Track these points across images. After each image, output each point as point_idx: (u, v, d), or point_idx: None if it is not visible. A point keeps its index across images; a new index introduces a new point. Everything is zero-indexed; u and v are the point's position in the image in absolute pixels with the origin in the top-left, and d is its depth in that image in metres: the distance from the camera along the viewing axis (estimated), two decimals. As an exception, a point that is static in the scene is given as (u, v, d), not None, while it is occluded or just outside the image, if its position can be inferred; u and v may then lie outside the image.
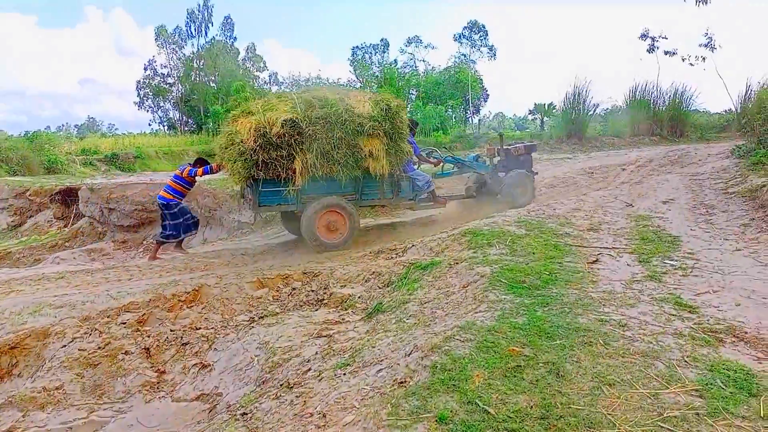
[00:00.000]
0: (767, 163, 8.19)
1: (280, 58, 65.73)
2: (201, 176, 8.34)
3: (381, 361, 3.39)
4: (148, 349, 5.11)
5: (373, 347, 3.74)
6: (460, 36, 48.65)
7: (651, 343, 3.16)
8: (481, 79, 47.70)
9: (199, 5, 41.23)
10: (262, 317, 5.48)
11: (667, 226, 6.25)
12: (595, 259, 5.08)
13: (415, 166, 8.69)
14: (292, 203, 7.54)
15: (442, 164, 9.43)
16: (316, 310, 5.57)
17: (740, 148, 10.67)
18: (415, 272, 5.46)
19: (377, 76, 43.72)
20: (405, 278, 5.44)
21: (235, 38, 42.64)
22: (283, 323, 5.13)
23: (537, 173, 9.99)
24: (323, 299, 5.74)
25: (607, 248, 5.45)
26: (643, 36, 19.63)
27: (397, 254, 6.51)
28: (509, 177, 9.21)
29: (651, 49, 19.56)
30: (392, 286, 5.47)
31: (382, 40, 48.46)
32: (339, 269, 6.22)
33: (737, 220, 6.33)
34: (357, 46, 48.00)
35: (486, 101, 49.99)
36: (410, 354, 3.24)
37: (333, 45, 75.88)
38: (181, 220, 8.28)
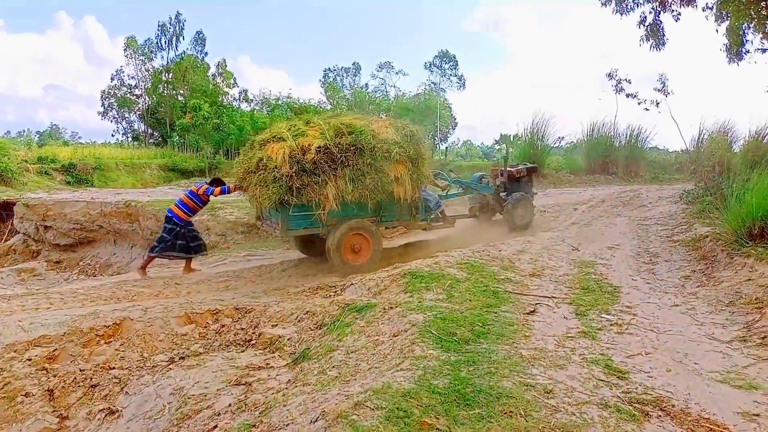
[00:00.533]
0: (713, 212, 8.26)
1: (253, 75, 65.40)
2: (217, 195, 8.24)
3: (287, 425, 3.10)
4: (51, 390, 4.67)
5: (285, 405, 3.45)
6: (430, 64, 49.64)
7: (574, 414, 2.97)
8: (450, 107, 48.51)
9: (170, 18, 40.80)
10: (183, 357, 5.11)
11: (609, 275, 6.15)
12: (532, 309, 4.92)
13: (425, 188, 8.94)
14: (317, 227, 7.62)
15: (448, 186, 9.90)
16: (243, 351, 5.24)
17: (689, 193, 10.84)
18: (349, 315, 5.20)
19: (348, 98, 44.11)
20: (338, 321, 5.17)
21: (206, 53, 42.14)
22: (203, 366, 4.78)
23: (537, 193, 10.61)
24: (252, 339, 5.42)
25: (547, 297, 5.30)
26: (610, 76, 20.02)
27: (335, 292, 6.24)
28: (511, 199, 9.75)
29: (617, 90, 19.98)
30: (324, 329, 5.18)
31: (354, 63, 49.06)
32: (273, 306, 5.92)
33: (679, 271, 6.29)
34: (329, 68, 48.33)
35: (454, 129, 50.80)
36: (316, 421, 2.96)
37: (307, 65, 76.04)
38: (180, 241, 8.09)
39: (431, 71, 49.19)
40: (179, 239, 8.09)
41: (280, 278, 7.71)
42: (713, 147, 16.43)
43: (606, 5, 12.55)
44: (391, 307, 5.00)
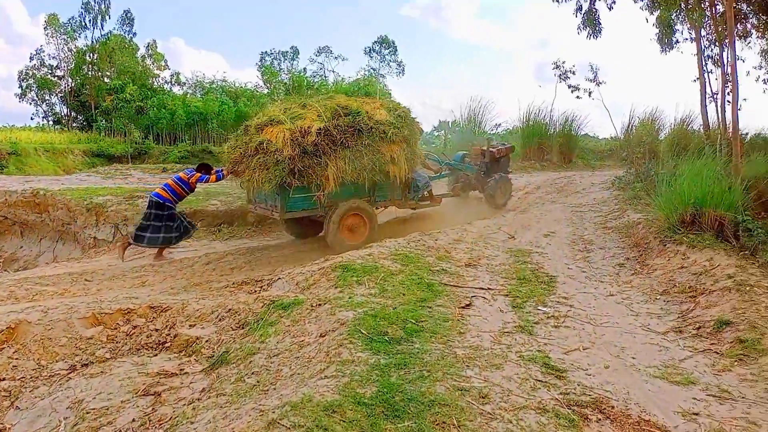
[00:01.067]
0: (644, 198, 8.35)
1: (188, 58, 62.59)
2: (213, 182, 8.19)
3: (191, 449, 2.73)
4: (-76, 410, 4.10)
5: (192, 423, 3.07)
6: (370, 50, 49.10)
7: (511, 422, 2.74)
8: (390, 93, 48.22)
9: (95, -5, 38.21)
10: (86, 365, 4.59)
11: (545, 264, 6.04)
12: (468, 302, 4.70)
13: None
14: (315, 208, 7.79)
15: (441, 168, 10.33)
16: (155, 355, 4.78)
17: (620, 179, 10.99)
18: (274, 313, 4.82)
19: (286, 83, 43.07)
20: (262, 320, 4.78)
21: (135, 33, 39.78)
22: (109, 373, 4.30)
23: (512, 171, 11.32)
24: (166, 341, 4.95)
25: (483, 289, 5.10)
26: (556, 66, 20.22)
27: (261, 287, 5.83)
28: (493, 179, 10.24)
29: (561, 80, 20.17)
30: (247, 329, 4.78)
31: (291, 47, 47.74)
32: (192, 303, 5.44)
33: (613, 258, 6.25)
34: (265, 52, 46.94)
35: (394, 115, 50.20)
36: (223, 443, 2.60)
37: (244, 49, 73.36)
38: (165, 224, 7.81)
39: (371, 57, 48.66)
40: (174, 225, 7.91)
41: (204, 272, 7.20)
42: (642, 134, 16.94)
43: (542, -9, 12.51)
44: (320, 304, 4.67)
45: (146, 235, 7.73)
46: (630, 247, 6.54)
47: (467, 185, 10.55)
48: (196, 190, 8.38)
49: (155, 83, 38.45)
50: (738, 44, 14.03)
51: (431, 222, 9.51)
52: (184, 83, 40.97)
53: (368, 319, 4.12)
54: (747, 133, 17.94)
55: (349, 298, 4.67)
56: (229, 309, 5.20)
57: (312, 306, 4.68)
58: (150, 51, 41.74)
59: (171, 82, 42.26)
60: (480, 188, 10.45)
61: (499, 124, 20.93)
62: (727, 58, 11.54)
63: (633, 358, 3.60)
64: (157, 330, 5.14)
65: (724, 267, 4.87)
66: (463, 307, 4.58)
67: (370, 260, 5.70)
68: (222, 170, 8.05)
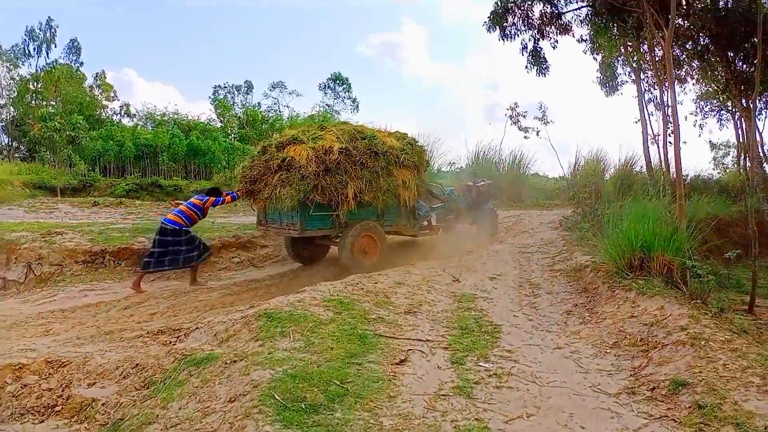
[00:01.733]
0: (591, 240, 8.12)
1: (141, 90, 60.97)
2: (228, 203, 8.21)
3: None
4: None
5: None
6: (324, 86, 49.11)
7: None
8: (344, 130, 48.02)
9: (40, 23, 36.80)
10: (-50, 436, 3.85)
11: (490, 310, 5.61)
12: (403, 357, 4.19)
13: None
14: (331, 228, 7.94)
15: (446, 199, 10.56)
16: (41, 421, 4.07)
17: (568, 219, 10.83)
18: (185, 370, 4.19)
19: (240, 117, 42.45)
20: (170, 378, 4.14)
21: (82, 63, 38.44)
22: (-24, 448, 3.58)
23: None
24: (57, 404, 4.23)
25: (421, 341, 4.61)
26: (510, 109, 20.53)
27: (177, 338, 5.16)
28: (481, 212, 10.87)
29: (514, 122, 20.36)
30: (152, 389, 4.13)
31: (245, 81, 47.28)
32: (97, 357, 4.73)
33: (561, 304, 5.89)
34: (219, 85, 46.30)
35: (347, 149, 50.10)
36: None
37: (199, 82, 72.10)
38: (186, 247, 7.73)
39: (325, 93, 48.70)
40: (193, 246, 7.82)
41: (119, 318, 6.44)
42: (588, 174, 17.08)
43: (491, 31, 12.54)
44: (235, 360, 4.07)
45: (165, 259, 7.63)
46: (578, 292, 6.20)
47: (457, 217, 10.80)
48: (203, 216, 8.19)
49: (103, 114, 37.12)
50: (677, 89, 14.41)
51: (428, 249, 9.64)
52: (134, 115, 39.82)
53: (286, 380, 3.56)
54: (687, 175, 18.43)
55: (269, 353, 4.09)
56: (136, 364, 4.54)
57: (226, 362, 4.08)
58: (98, 81, 40.47)
59: (120, 113, 41.01)
60: (470, 220, 10.89)
61: (454, 162, 20.84)
62: (667, 100, 11.78)
63: (582, 428, 3.15)
64: (50, 390, 4.41)
65: (676, 317, 4.54)
66: (397, 364, 4.07)
67: (300, 307, 5.13)
68: (236, 192, 8.16)
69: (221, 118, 41.44)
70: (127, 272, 8.36)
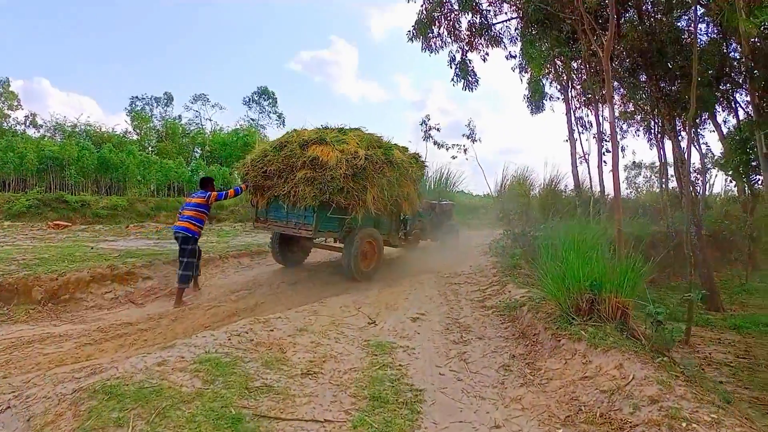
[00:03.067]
0: (524, 268, 7.19)
1: (54, 100, 56.34)
2: (232, 197, 7.94)
3: None
4: None
5: None
6: (249, 100, 47.37)
7: None
8: (270, 145, 46.61)
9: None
10: None
11: (410, 367, 4.45)
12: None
13: None
14: (338, 231, 7.99)
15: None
16: None
17: (497, 243, 9.97)
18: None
19: (158, 129, 40.12)
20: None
21: (-19, 70, 34.84)
22: None
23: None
24: None
25: (318, 422, 3.37)
26: (423, 123, 20.03)
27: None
28: (453, 229, 11.45)
29: (426, 138, 19.80)
30: None
31: (165, 93, 44.90)
32: None
33: (496, 355, 4.81)
34: (136, 97, 43.71)
35: (276, 164, 48.70)
36: None
37: (118, 94, 67.81)
38: (196, 258, 7.42)
39: (249, 107, 46.91)
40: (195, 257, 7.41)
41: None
42: (516, 192, 16.52)
43: (413, 41, 11.61)
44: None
45: (187, 272, 7.19)
46: (515, 337, 5.16)
47: (423, 233, 10.84)
48: None
49: (5, 124, 33.69)
50: (599, 109, 14.06)
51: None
52: (41, 125, 36.43)
53: None
54: (608, 195, 18.30)
55: (86, 462, 2.73)
56: None
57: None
58: (1, 90, 36.85)
59: (25, 123, 37.45)
60: (433, 237, 11.14)
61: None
62: (598, 118, 11.36)
63: None
64: None
65: (641, 381, 3.54)
66: (274, 471, 2.80)
67: (157, 375, 3.77)
68: (240, 186, 8.06)
69: (138, 131, 39.03)
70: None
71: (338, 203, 7.37)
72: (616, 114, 17.45)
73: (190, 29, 67.58)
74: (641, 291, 4.65)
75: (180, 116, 43.85)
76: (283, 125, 48.06)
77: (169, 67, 63.93)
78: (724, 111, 16.15)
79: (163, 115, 45.02)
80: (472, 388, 4.11)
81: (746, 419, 3.16)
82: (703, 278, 10.72)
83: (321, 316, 5.69)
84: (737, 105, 15.93)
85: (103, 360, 4.87)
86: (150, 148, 36.69)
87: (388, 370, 4.35)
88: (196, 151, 39.30)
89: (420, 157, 9.20)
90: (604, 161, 11.27)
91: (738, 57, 13.22)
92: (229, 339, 4.68)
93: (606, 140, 12.73)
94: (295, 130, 8.66)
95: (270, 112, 47.82)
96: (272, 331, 5.05)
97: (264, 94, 47.60)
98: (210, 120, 46.21)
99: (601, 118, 12.34)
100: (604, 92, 9.65)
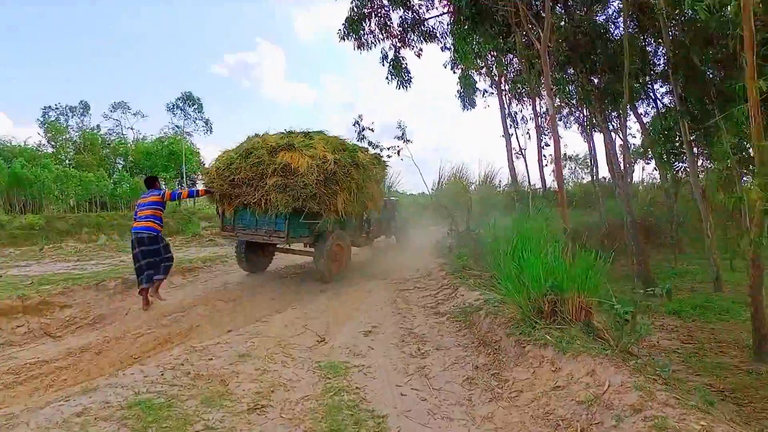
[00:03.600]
0: (473, 268, 6.95)
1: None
2: (185, 198, 7.98)
3: None
4: None
5: None
6: (173, 106, 45.22)
7: None
8: (198, 152, 44.90)
9: None
10: None
11: (368, 389, 4.05)
12: None
13: None
14: (309, 236, 7.99)
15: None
16: None
17: (442, 244, 9.76)
18: None
19: (75, 141, 37.71)
20: None
21: None
22: None
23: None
24: None
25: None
26: (356, 123, 19.74)
27: None
28: (394, 225, 11.61)
29: (359, 138, 19.51)
30: None
31: (81, 102, 42.19)
32: None
33: (457, 367, 4.49)
34: (49, 106, 40.85)
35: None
36: None
37: (30, 105, 63.04)
38: (162, 257, 7.04)
39: (174, 114, 44.78)
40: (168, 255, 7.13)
41: None
42: (453, 190, 16.47)
43: (346, 39, 11.21)
44: None
45: (152, 273, 6.91)
46: (475, 346, 4.86)
47: (377, 231, 11.00)
48: None
49: None
50: (536, 102, 14.19)
51: None
52: (-69, 136, 33.32)
53: None
54: (537, 188, 18.63)
55: None
56: None
57: None
58: None
59: None
60: (387, 233, 11.49)
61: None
62: (536, 110, 11.35)
63: None
64: None
65: (617, 388, 3.30)
66: None
67: (76, 427, 3.18)
68: (195, 189, 7.97)
69: (53, 143, 36.67)
70: None
71: (311, 209, 7.33)
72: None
73: (105, 32, 63.96)
74: (603, 288, 4.46)
75: (98, 126, 41.41)
76: (211, 132, 46.31)
77: (84, 73, 60.17)
78: (643, 103, 16.79)
79: (80, 125, 42.30)
80: (438, 408, 3.76)
81: (735, 424, 2.96)
82: (640, 265, 10.91)
83: (265, 338, 5.18)
84: (656, 97, 16.60)
85: (15, 409, 4.18)
86: (67, 161, 34.52)
87: (345, 395, 3.93)
88: (119, 162, 37.38)
89: (381, 157, 9.41)
90: (544, 155, 11.32)
91: (654, 51, 13.70)
92: (162, 374, 4.12)
93: (545, 133, 12.89)
94: (257, 135, 8.55)
95: (196, 118, 45.83)
96: (211, 360, 4.52)
97: (189, 99, 45.52)
98: (132, 129, 44.01)
99: (539, 109, 12.47)
100: (541, 84, 9.61)
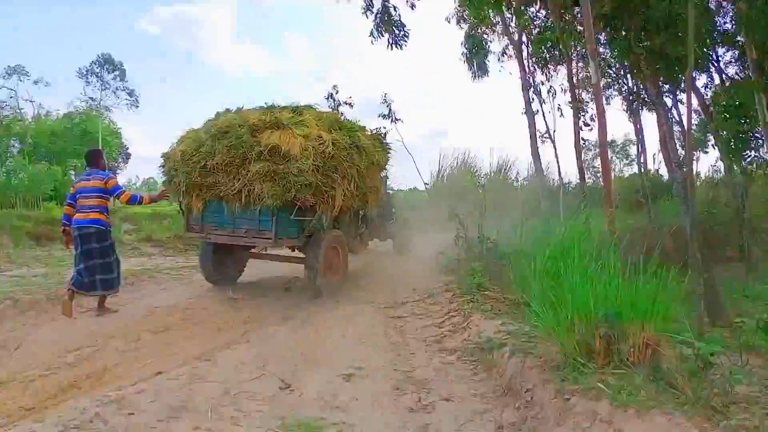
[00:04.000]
0: (491, 290, 6.74)
1: None
2: (147, 204, 8.10)
3: None
4: None
5: None
6: (87, 72, 44.34)
7: None
8: (119, 133, 44.37)
9: None
10: None
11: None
12: None
13: None
14: (298, 237, 8.02)
15: None
16: None
17: (446, 255, 9.63)
18: None
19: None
20: None
21: None
22: None
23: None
24: None
25: None
26: (330, 97, 19.91)
27: None
28: (388, 224, 11.97)
29: (334, 108, 19.73)
30: None
31: (-40, 67, 41.37)
32: None
33: (475, 426, 4.23)
34: None
35: (127, 162, 46.53)
36: None
37: None
38: (115, 258, 7.42)
39: (88, 82, 43.99)
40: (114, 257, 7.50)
41: None
42: (459, 186, 16.35)
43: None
44: None
45: (97, 278, 7.21)
46: (498, 396, 4.62)
47: (371, 233, 11.28)
48: None
49: None
50: (555, 73, 14.06)
51: None
52: None
53: None
54: (570, 182, 18.55)
55: None
56: None
57: None
58: None
59: None
60: (383, 236, 11.89)
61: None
62: (572, 81, 11.08)
63: None
64: None
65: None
66: None
67: None
68: (154, 196, 8.11)
69: None
70: None
71: (304, 202, 7.46)
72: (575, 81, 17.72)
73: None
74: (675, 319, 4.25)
75: (-15, 97, 40.62)
76: (136, 106, 45.78)
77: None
78: (701, 74, 16.76)
79: (-40, 97, 41.44)
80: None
81: None
82: (705, 284, 10.80)
83: (208, 383, 4.89)
84: (719, 66, 16.60)
85: None
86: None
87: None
88: (14, 146, 36.58)
89: (383, 138, 9.48)
90: (583, 138, 11.13)
91: (716, 6, 13.69)
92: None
93: (585, 110, 12.70)
94: (229, 110, 8.59)
95: (117, 88, 45.18)
96: (132, 414, 4.21)
97: (107, 63, 44.95)
98: (32, 102, 43.11)
99: (575, 77, 12.30)
100: (579, 44, 9.45)
